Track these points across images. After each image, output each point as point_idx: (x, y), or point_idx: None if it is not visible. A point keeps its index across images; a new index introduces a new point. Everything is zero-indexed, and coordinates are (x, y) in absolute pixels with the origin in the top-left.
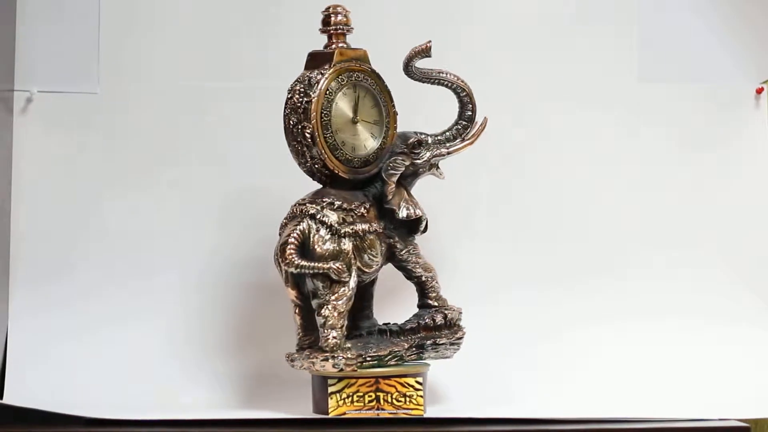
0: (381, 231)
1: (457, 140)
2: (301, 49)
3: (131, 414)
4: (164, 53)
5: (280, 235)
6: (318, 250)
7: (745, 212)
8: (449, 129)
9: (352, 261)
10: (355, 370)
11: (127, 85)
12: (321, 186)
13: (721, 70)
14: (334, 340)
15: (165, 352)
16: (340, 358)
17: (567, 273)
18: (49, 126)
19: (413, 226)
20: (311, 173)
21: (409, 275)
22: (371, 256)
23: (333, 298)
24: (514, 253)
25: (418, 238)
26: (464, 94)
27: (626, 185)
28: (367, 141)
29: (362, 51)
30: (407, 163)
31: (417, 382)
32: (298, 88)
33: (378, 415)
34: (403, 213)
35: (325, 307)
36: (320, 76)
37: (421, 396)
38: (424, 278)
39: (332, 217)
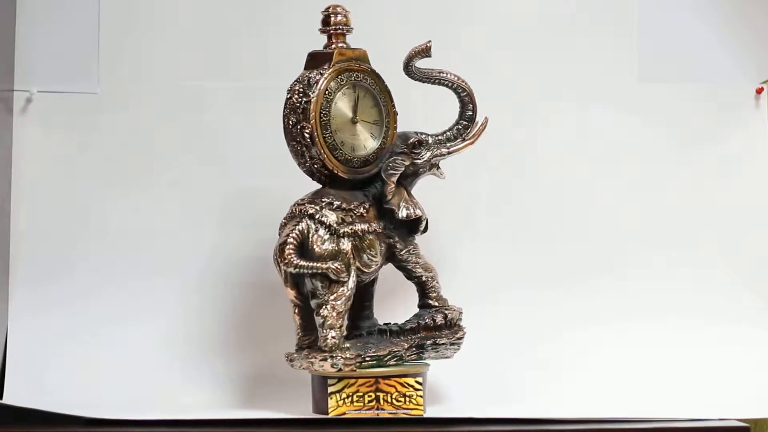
0: (380, 231)
1: (458, 140)
2: (301, 49)
3: (131, 414)
4: (164, 53)
5: (279, 235)
6: (317, 250)
7: (745, 212)
8: (450, 129)
9: (351, 261)
10: (354, 370)
11: (127, 85)
12: (321, 186)
13: (721, 70)
14: (333, 340)
15: (165, 352)
16: (338, 358)
17: (567, 273)
18: (49, 126)
19: (413, 226)
20: (311, 173)
21: (410, 275)
22: (370, 256)
23: (332, 298)
24: (514, 253)
25: (419, 238)
26: (465, 94)
27: (626, 185)
28: (367, 141)
29: (362, 51)
30: (407, 163)
31: (417, 382)
32: (297, 88)
33: (378, 415)
34: (402, 213)
35: (323, 307)
36: (319, 76)
37: (421, 396)
38: (424, 278)
39: (331, 217)
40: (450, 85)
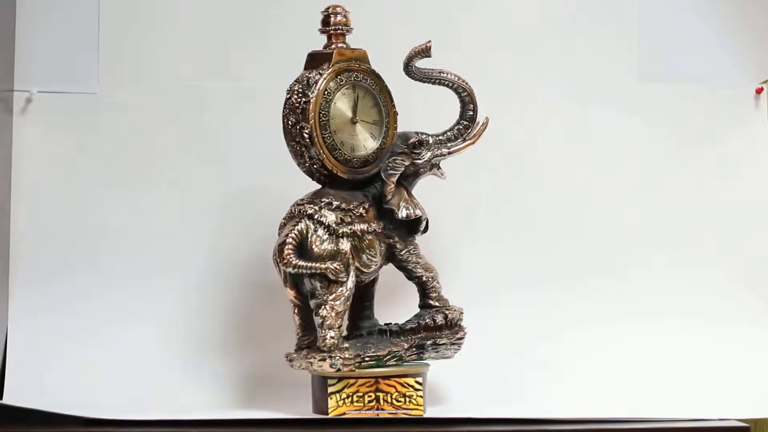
0: (380, 231)
1: (459, 140)
2: (301, 49)
3: (131, 414)
4: (164, 53)
5: (279, 235)
6: (316, 250)
7: (745, 212)
8: (450, 129)
9: (350, 261)
10: (353, 370)
11: (127, 85)
12: (320, 186)
13: (721, 70)
14: (332, 340)
15: (165, 353)
16: (337, 358)
17: (567, 273)
18: (49, 126)
19: (413, 226)
20: (310, 173)
21: (410, 275)
22: (370, 257)
23: (331, 298)
24: (514, 253)
25: (419, 238)
26: (465, 94)
27: (626, 185)
28: (367, 141)
29: (362, 51)
30: (407, 163)
31: (417, 382)
32: (296, 88)
33: (378, 415)
34: (402, 213)
35: (322, 307)
36: (318, 76)
37: (421, 396)
38: (424, 278)
39: (330, 217)
40: (450, 85)
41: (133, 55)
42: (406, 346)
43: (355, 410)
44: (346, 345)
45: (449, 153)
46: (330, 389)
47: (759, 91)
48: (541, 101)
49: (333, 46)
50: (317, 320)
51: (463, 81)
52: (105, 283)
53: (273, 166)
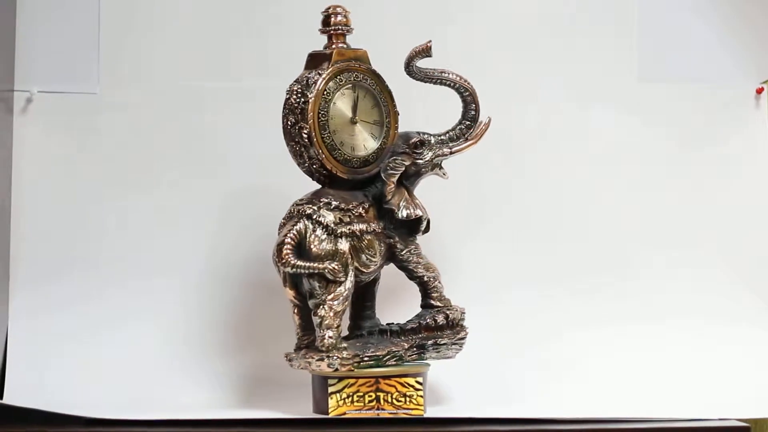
0: (380, 231)
1: (461, 140)
2: (301, 49)
3: (131, 414)
4: (164, 53)
5: (278, 234)
6: (314, 250)
7: (745, 212)
8: (452, 129)
9: (349, 261)
10: (352, 370)
11: (127, 85)
12: (320, 186)
13: (721, 70)
14: (330, 340)
15: (165, 352)
16: (335, 358)
17: (567, 273)
18: (49, 126)
19: (414, 226)
20: (310, 173)
21: (411, 275)
22: (369, 257)
23: (329, 298)
24: (514, 253)
25: (420, 238)
26: (467, 93)
27: (626, 185)
28: (367, 141)
29: (362, 51)
30: (407, 163)
31: (417, 382)
32: (295, 88)
33: (378, 415)
34: (402, 213)
35: (321, 306)
36: (318, 76)
37: (421, 396)
38: (426, 278)
39: (329, 217)
40: (452, 84)
41: (133, 55)
42: (406, 346)
43: (356, 410)
44: (345, 345)
45: (451, 153)
46: (330, 389)
47: (759, 91)
48: (541, 101)
49: (333, 46)
50: (316, 320)
51: (465, 81)
52: (105, 283)
53: (273, 166)
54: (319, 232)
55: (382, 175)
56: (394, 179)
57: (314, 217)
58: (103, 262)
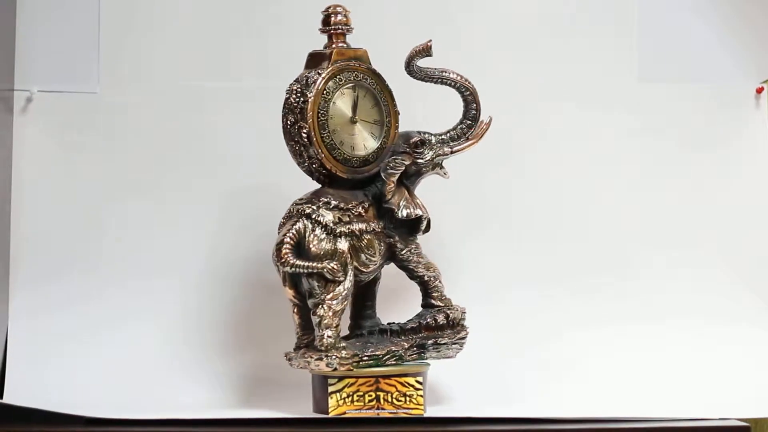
0: (380, 230)
1: (461, 139)
2: (301, 49)
3: (131, 414)
4: (164, 53)
5: (278, 234)
6: (313, 249)
7: (745, 212)
8: (453, 128)
9: (349, 260)
10: (351, 370)
11: (127, 85)
12: (320, 186)
13: (721, 70)
14: (329, 340)
15: (165, 352)
16: (333, 357)
17: (567, 273)
18: (49, 126)
19: (414, 225)
20: (310, 173)
21: (412, 275)
22: (368, 256)
23: (328, 297)
24: (514, 253)
25: (420, 238)
26: (468, 93)
27: (626, 185)
28: (367, 141)
29: (362, 51)
30: (407, 162)
31: (417, 381)
32: (295, 88)
33: (378, 414)
34: (402, 213)
35: (320, 306)
36: (317, 75)
37: (421, 395)
38: (426, 278)
39: (328, 217)
40: (453, 84)
41: (133, 55)
42: (406, 345)
43: (356, 410)
44: (344, 344)
45: (452, 152)
46: (330, 389)
47: (759, 91)
48: (541, 101)
49: (333, 45)
50: (315, 319)
51: (466, 80)
52: (105, 283)
53: (273, 166)
54: (318, 231)
55: (382, 174)
56: (395, 179)
57: (313, 216)
58: (103, 262)
